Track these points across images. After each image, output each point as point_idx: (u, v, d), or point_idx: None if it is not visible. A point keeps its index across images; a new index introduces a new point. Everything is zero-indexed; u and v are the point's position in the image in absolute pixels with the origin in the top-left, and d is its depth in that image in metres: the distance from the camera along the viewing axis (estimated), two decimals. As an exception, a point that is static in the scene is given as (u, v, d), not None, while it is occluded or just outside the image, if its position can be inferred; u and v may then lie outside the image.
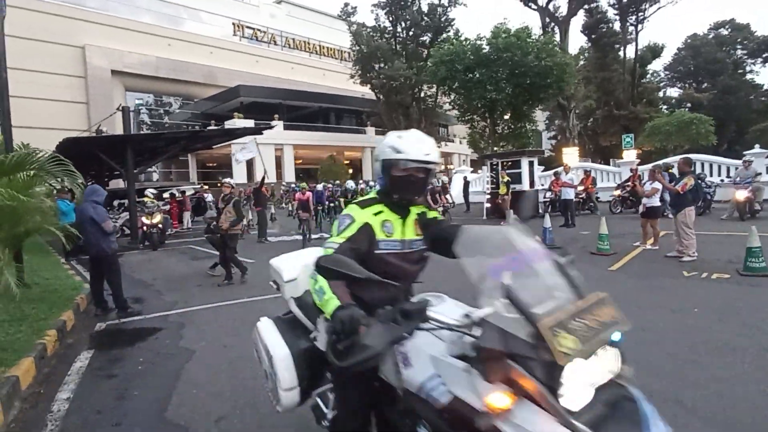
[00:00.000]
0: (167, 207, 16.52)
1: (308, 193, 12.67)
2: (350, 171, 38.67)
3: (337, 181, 21.11)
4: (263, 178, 13.74)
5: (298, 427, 2.97)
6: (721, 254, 7.47)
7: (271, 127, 12.89)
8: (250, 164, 33.32)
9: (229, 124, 30.83)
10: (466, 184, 20.86)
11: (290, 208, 22.83)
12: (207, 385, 3.71)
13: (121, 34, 34.82)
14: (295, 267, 2.56)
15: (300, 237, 12.33)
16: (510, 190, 15.05)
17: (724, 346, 3.95)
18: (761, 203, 12.34)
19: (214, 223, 7.68)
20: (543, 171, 20.93)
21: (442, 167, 50.03)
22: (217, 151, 30.18)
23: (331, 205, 16.97)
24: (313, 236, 12.66)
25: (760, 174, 12.97)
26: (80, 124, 31.26)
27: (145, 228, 12.59)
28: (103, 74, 34.16)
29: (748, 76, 43.32)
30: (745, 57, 43.38)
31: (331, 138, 39.45)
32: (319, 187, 16.78)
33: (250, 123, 31.33)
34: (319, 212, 15.38)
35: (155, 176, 36.56)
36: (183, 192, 18.68)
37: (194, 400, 3.47)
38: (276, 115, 36.19)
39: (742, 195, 11.69)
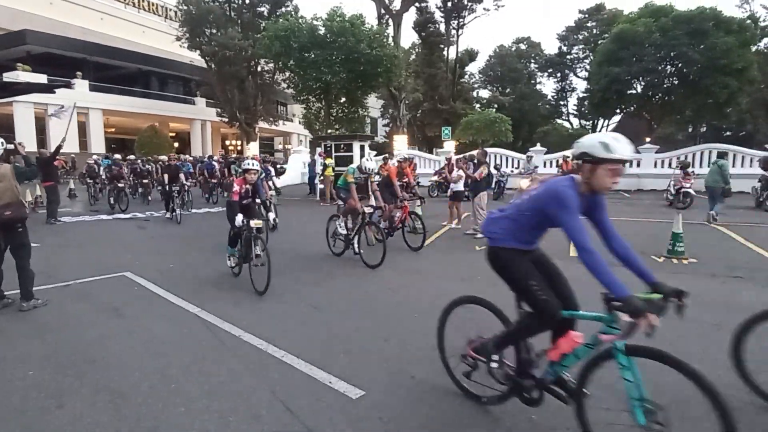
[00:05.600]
0: None
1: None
2: (176, 144, 35.00)
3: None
4: (58, 147, 11.31)
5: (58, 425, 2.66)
6: (505, 232, 9.02)
7: (68, 86, 10.60)
8: (42, 129, 27.59)
9: (9, 77, 24.78)
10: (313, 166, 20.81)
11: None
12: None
13: None
14: None
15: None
16: (334, 173, 15.60)
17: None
18: (537, 191, 15.26)
19: None
20: (375, 155, 22.16)
21: (281, 147, 48.98)
22: (-8, 108, 24.18)
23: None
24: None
25: (537, 167, 15.99)
26: None
27: None
28: None
29: (538, 87, 52.64)
30: (537, 70, 52.50)
31: (153, 106, 35.06)
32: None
33: (41, 78, 25.71)
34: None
35: None
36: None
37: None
38: (79, 73, 30.52)
39: (524, 183, 14.25)
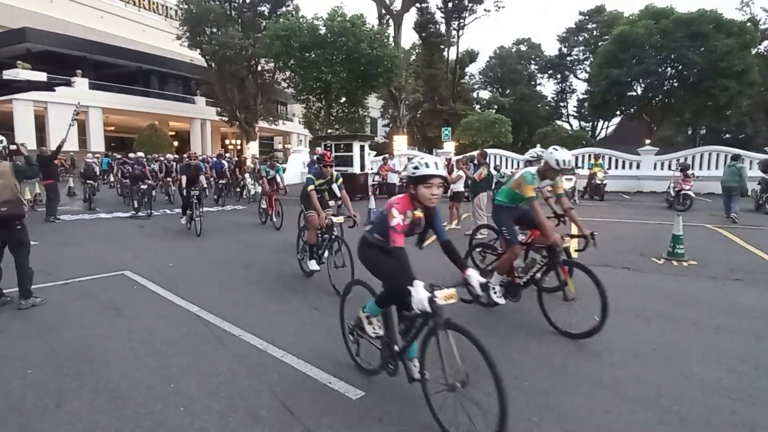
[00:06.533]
0: None
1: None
2: (175, 143, 34.99)
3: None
4: (59, 147, 11.21)
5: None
6: (504, 233, 9.01)
7: (68, 84, 10.58)
8: (41, 127, 27.60)
9: (8, 75, 24.75)
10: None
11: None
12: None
13: None
14: None
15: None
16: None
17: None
18: (537, 192, 15.26)
19: None
20: (375, 156, 22.18)
21: (280, 146, 48.95)
22: (-9, 106, 24.17)
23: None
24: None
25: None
26: None
27: None
28: None
29: (538, 88, 52.65)
30: (537, 71, 52.50)
31: (153, 104, 35.02)
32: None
33: (41, 76, 25.72)
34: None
35: None
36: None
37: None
38: (79, 71, 30.52)
39: (524, 185, 14.29)
